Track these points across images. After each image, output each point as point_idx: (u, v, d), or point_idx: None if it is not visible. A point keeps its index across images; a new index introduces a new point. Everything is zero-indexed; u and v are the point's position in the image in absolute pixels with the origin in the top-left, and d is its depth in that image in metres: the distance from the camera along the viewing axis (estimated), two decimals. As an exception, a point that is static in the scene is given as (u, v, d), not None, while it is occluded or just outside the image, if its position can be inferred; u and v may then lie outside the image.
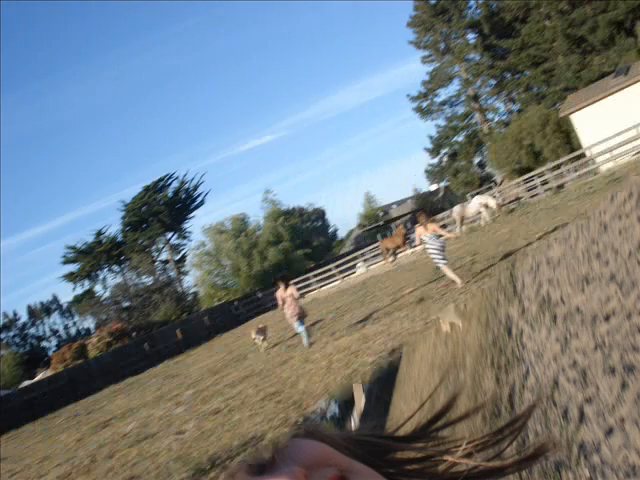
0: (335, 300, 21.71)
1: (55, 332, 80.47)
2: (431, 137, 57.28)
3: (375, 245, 33.10)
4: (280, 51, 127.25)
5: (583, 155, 29.65)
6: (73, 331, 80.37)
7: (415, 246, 25.40)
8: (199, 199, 63.34)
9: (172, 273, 59.38)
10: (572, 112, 32.26)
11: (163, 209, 60.09)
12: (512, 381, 5.19)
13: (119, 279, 60.90)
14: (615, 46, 42.81)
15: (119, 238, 62.25)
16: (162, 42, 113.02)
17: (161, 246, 63.01)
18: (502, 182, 43.81)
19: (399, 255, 28.11)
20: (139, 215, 60.88)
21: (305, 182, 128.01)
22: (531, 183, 28.45)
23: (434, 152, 57.59)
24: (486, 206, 23.97)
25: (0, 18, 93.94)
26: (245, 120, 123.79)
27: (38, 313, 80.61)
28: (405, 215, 49.75)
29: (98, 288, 62.80)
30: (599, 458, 3.46)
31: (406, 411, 5.85)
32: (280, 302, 13.08)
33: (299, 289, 24.37)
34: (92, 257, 60.56)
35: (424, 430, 0.69)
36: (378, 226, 46.61)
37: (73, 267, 62.07)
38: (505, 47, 51.65)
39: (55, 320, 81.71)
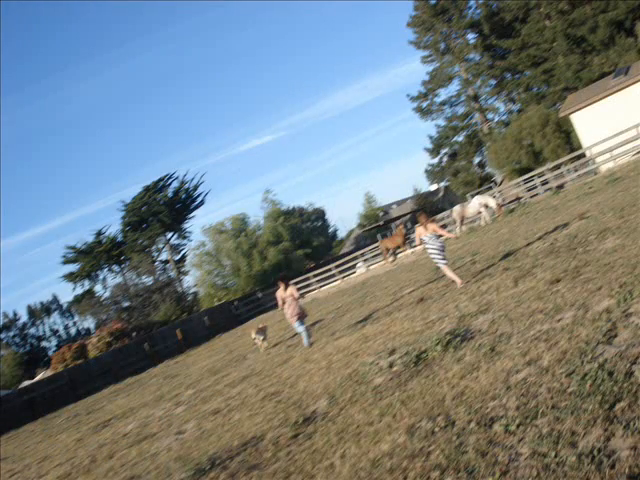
0: (335, 300, 21.71)
1: (55, 332, 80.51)
2: (431, 137, 57.32)
3: (375, 245, 33.09)
4: (280, 51, 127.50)
5: (583, 155, 29.65)
6: (73, 331, 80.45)
7: (415, 246, 25.42)
8: (199, 199, 63.38)
9: (172, 273, 59.37)
10: (572, 112, 32.25)
11: (163, 209, 60.05)
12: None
13: (119, 279, 60.95)
14: (615, 46, 42.79)
15: (119, 238, 62.23)
16: (162, 42, 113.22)
17: (161, 246, 63.00)
18: (502, 182, 43.81)
19: (399, 255, 28.12)
20: (139, 215, 60.85)
21: (305, 182, 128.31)
22: (531, 183, 28.44)
23: (434, 152, 57.60)
24: (486, 206, 23.96)
25: (0, 18, 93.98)
26: (245, 120, 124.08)
27: (38, 313, 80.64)
28: (405, 215, 49.72)
29: (98, 288, 62.86)
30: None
31: None
32: (280, 302, 13.08)
33: (299, 289, 24.38)
34: (92, 257, 60.55)
35: None
36: (378, 226, 46.55)
37: (73, 267, 62.16)
38: (505, 47, 51.64)
39: (55, 320, 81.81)
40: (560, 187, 26.04)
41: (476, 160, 56.76)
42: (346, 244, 67.26)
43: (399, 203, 72.31)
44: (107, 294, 59.18)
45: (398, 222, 41.80)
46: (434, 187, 64.11)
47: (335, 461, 5.33)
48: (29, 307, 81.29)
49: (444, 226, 25.81)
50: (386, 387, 6.88)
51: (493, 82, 54.80)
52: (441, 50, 55.91)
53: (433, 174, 59.73)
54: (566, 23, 46.01)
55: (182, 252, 63.17)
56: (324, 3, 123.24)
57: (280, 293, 13.00)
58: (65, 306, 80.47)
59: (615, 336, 5.46)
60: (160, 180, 62.10)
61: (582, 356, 5.25)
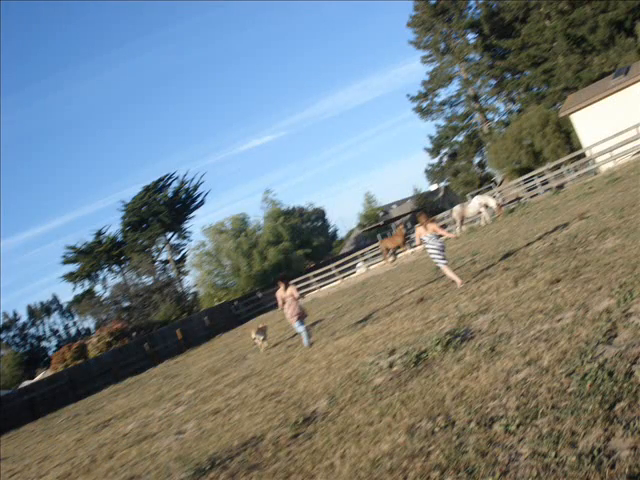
0: (335, 300, 21.71)
1: (55, 332, 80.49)
2: (431, 137, 57.32)
3: (375, 245, 33.09)
4: (280, 51, 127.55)
5: (583, 155, 29.65)
6: (73, 331, 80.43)
7: (415, 246, 25.42)
8: (199, 199, 63.39)
9: (172, 273, 59.36)
10: (572, 112, 32.25)
11: (163, 209, 60.03)
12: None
13: (119, 279, 60.95)
14: (615, 46, 42.78)
15: (119, 238, 62.23)
16: (162, 42, 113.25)
17: (161, 246, 62.99)
18: (502, 182, 43.79)
19: (399, 255, 28.12)
20: (139, 215, 60.84)
21: (305, 182, 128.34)
22: (531, 183, 28.44)
23: (434, 152, 57.59)
24: (486, 206, 23.96)
25: (0, 18, 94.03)
26: (245, 120, 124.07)
27: (38, 313, 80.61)
28: (405, 215, 49.72)
29: (98, 288, 62.86)
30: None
31: None
32: (280, 302, 13.08)
33: (299, 289, 24.37)
34: (92, 257, 60.54)
35: None
36: (378, 226, 46.55)
37: (73, 267, 62.16)
38: (505, 47, 51.63)
39: (55, 320, 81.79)
40: (560, 187, 26.03)
41: (476, 160, 56.79)
42: (346, 244, 67.26)
43: (399, 203, 72.31)
44: (107, 294, 59.26)
45: (398, 222, 41.79)
46: (434, 187, 64.12)
47: (335, 461, 5.33)
48: (29, 307, 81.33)
49: (444, 226, 25.81)
50: (386, 387, 6.88)
51: (493, 82, 54.80)
52: (441, 50, 55.90)
53: (433, 174, 59.73)
54: (566, 23, 46.00)
55: (182, 252, 63.23)
56: (324, 3, 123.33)
57: (280, 293, 13.00)
58: (65, 306, 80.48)
59: (615, 336, 5.46)
60: (160, 180, 62.13)
61: (582, 356, 5.25)
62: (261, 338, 15.66)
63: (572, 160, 28.85)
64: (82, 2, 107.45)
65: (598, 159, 26.97)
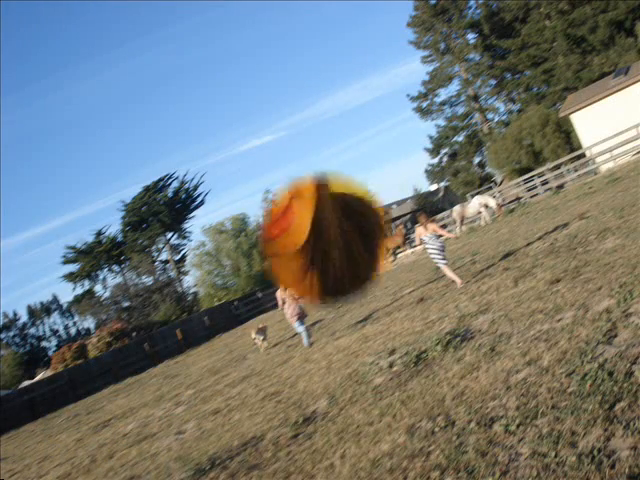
0: (335, 300, 21.64)
1: (55, 332, 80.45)
2: (431, 137, 57.32)
3: (375, 245, 33.03)
4: (280, 51, 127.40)
5: (583, 155, 29.66)
6: (73, 331, 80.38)
7: (415, 246, 25.43)
8: (199, 199, 63.40)
9: (172, 273, 59.36)
10: (572, 112, 32.25)
11: (163, 209, 60.04)
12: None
13: (119, 279, 60.96)
14: (615, 46, 42.78)
15: (119, 238, 62.24)
16: (162, 42, 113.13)
17: (161, 246, 62.99)
18: (502, 182, 43.80)
19: (399, 255, 28.12)
20: (139, 215, 60.85)
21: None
22: (531, 183, 28.46)
23: (434, 152, 57.60)
24: (486, 206, 23.97)
25: (0, 18, 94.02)
26: (245, 120, 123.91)
27: (38, 313, 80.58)
28: (405, 215, 49.73)
29: (98, 288, 62.86)
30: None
31: None
32: (280, 302, 13.09)
33: (299, 289, 24.31)
34: (92, 257, 60.55)
35: None
36: (378, 226, 46.44)
37: (73, 267, 62.16)
38: (505, 47, 51.63)
39: (55, 320, 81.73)
40: (560, 187, 26.05)
41: (476, 160, 56.78)
42: (346, 244, 67.16)
43: (399, 203, 72.25)
44: (107, 294, 59.26)
45: (398, 222, 41.80)
46: (434, 187, 64.10)
47: (335, 461, 5.33)
48: (29, 307, 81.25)
49: (444, 226, 25.82)
50: (386, 387, 6.88)
51: (493, 82, 54.78)
52: (441, 50, 55.89)
53: (433, 174, 59.72)
54: (566, 23, 46.00)
55: (182, 252, 63.22)
56: (324, 3, 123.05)
57: (280, 293, 13.01)
58: (65, 306, 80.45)
59: (615, 336, 5.46)
60: (160, 180, 62.13)
61: (582, 356, 5.25)
62: (261, 338, 15.66)
63: (572, 160, 28.86)
64: (82, 2, 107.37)
65: (598, 159, 26.98)
